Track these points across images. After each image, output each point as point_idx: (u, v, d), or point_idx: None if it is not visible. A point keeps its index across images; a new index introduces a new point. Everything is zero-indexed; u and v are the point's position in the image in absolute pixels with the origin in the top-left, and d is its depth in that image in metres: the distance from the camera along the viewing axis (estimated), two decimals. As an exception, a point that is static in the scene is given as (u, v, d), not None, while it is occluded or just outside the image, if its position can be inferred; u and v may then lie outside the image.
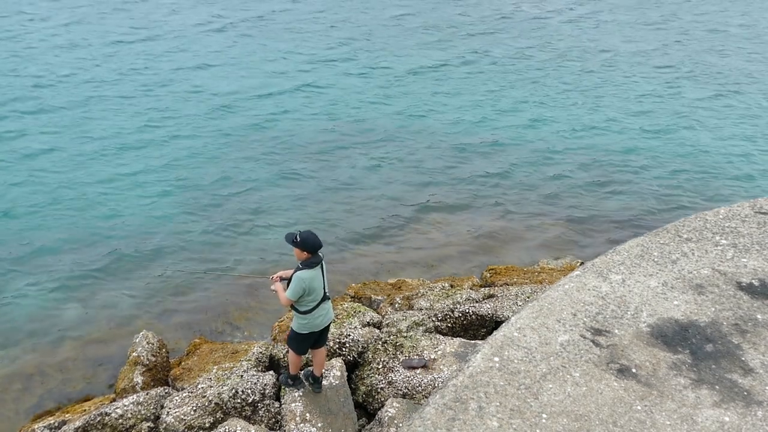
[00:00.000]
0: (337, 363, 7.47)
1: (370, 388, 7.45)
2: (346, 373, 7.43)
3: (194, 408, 6.92)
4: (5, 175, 13.96)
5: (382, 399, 7.26)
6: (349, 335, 7.96)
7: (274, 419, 7.00)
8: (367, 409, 7.46)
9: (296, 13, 28.17)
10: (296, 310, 6.36)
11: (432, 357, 7.55)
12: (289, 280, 6.32)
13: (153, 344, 8.44)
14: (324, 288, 6.38)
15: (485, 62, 23.23)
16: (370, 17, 28.07)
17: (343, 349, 7.85)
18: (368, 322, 8.61)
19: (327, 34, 25.48)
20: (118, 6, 27.45)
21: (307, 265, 6.16)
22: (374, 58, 23.06)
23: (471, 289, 10.10)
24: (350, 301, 9.64)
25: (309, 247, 6.13)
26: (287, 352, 7.32)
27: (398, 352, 7.69)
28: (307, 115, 18.09)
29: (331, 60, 22.63)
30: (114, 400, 7.72)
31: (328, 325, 6.71)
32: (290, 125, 17.40)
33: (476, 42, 25.53)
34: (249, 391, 7.06)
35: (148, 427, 6.98)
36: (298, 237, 6.13)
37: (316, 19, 27.57)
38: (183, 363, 8.36)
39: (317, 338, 6.68)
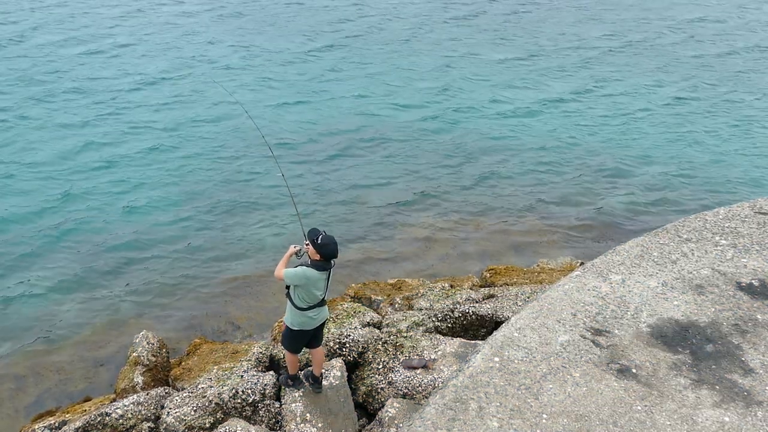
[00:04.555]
0: (338, 363, 7.47)
1: (370, 388, 7.45)
2: (346, 373, 7.44)
3: (194, 408, 6.93)
4: (5, 176, 13.95)
5: (383, 399, 7.26)
6: (349, 335, 7.96)
7: (274, 419, 7.01)
8: (367, 410, 7.46)
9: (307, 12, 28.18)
10: (291, 301, 6.35)
11: (432, 357, 7.56)
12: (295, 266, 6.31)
13: (153, 344, 8.44)
14: (324, 293, 6.38)
15: (483, 63, 23.23)
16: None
17: (344, 349, 7.86)
18: (368, 322, 8.62)
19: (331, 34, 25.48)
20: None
21: (317, 266, 6.16)
22: (382, 62, 23.05)
23: (471, 289, 10.10)
24: (350, 301, 9.65)
25: (323, 253, 6.09)
26: (285, 352, 7.32)
27: (398, 353, 7.69)
28: (306, 115, 18.09)
29: (327, 59, 22.64)
30: (114, 400, 7.72)
31: (322, 326, 6.68)
32: (291, 125, 17.39)
33: (471, 44, 25.54)
34: (249, 391, 7.06)
35: (149, 427, 6.99)
36: (319, 239, 6.07)
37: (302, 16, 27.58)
38: (183, 363, 8.37)
39: (311, 338, 6.67)
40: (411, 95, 19.74)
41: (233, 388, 7.07)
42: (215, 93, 18.80)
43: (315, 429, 6.63)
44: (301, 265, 6.22)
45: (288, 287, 6.35)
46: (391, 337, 7.96)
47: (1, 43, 21.73)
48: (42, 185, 13.69)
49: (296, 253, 6.43)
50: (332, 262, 6.24)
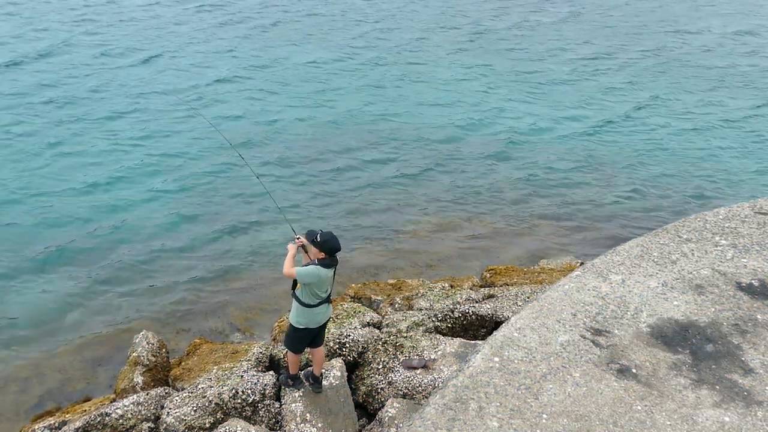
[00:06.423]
0: (337, 363, 7.47)
1: (370, 388, 7.45)
2: (346, 373, 7.43)
3: (194, 408, 6.92)
4: (7, 176, 13.93)
5: (383, 399, 7.26)
6: (349, 335, 7.96)
7: (274, 419, 7.01)
8: (367, 409, 7.46)
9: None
10: (298, 300, 6.36)
11: (432, 357, 7.55)
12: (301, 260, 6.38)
13: (153, 344, 8.44)
14: (330, 289, 6.40)
15: (478, 63, 23.24)
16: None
17: (343, 349, 7.86)
18: (368, 323, 8.61)
19: (328, 38, 25.50)
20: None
21: (324, 264, 6.19)
22: (377, 61, 23.06)
23: (471, 289, 10.10)
24: (350, 301, 9.64)
25: (327, 249, 6.15)
26: (287, 352, 7.33)
27: (398, 353, 7.69)
28: (306, 117, 18.08)
29: (329, 61, 22.64)
30: (114, 400, 7.71)
31: (325, 325, 6.71)
32: (289, 125, 17.40)
33: (476, 46, 25.56)
34: (249, 391, 7.06)
35: (149, 427, 6.98)
36: (318, 237, 6.13)
37: (314, 21, 27.60)
38: (183, 363, 8.36)
39: (314, 338, 6.68)
40: (415, 100, 19.70)
41: (233, 388, 7.07)
42: (228, 105, 18.57)
43: (315, 429, 6.63)
44: (312, 263, 6.24)
45: (294, 286, 6.37)
46: (391, 337, 7.95)
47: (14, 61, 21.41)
48: (39, 188, 13.67)
49: (301, 247, 6.46)
50: (337, 258, 6.29)
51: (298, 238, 6.49)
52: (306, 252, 6.53)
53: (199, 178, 14.37)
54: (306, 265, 6.26)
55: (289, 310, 6.61)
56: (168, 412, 6.96)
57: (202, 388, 7.22)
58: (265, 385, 7.17)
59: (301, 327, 6.49)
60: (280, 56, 22.70)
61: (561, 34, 27.18)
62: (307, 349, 6.99)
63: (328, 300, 6.45)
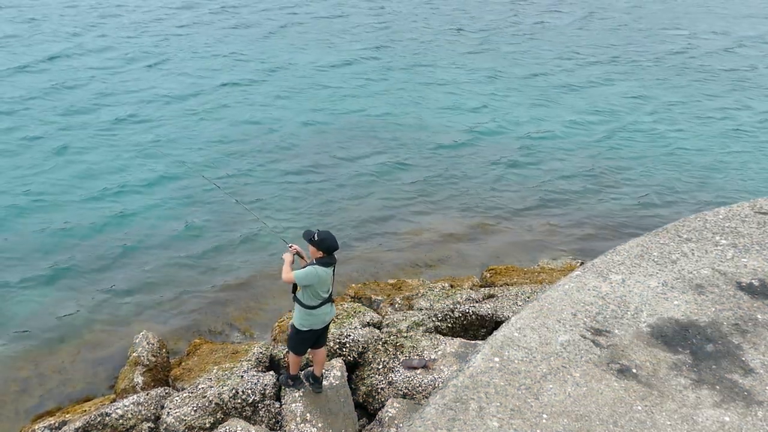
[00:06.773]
0: (338, 363, 7.47)
1: (370, 388, 7.45)
2: (346, 374, 7.44)
3: (194, 408, 6.92)
4: (12, 181, 13.90)
5: (383, 399, 7.26)
6: (350, 335, 7.96)
7: (274, 419, 7.01)
8: (367, 410, 7.46)
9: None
10: (300, 303, 6.36)
11: (432, 357, 7.55)
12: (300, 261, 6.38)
13: (153, 344, 8.44)
14: (331, 288, 6.41)
15: (485, 67, 23.23)
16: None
17: (344, 349, 7.85)
18: (368, 323, 8.62)
19: (333, 40, 25.49)
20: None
21: (322, 263, 6.20)
22: (382, 65, 23.04)
23: (471, 289, 10.10)
24: (350, 301, 9.64)
25: (325, 248, 6.16)
26: (287, 352, 7.33)
27: (398, 353, 7.69)
28: (308, 117, 18.08)
29: (334, 65, 22.64)
30: (114, 400, 7.72)
31: (328, 326, 6.72)
32: (291, 126, 17.40)
33: (484, 49, 25.55)
34: (249, 391, 7.06)
35: (149, 427, 6.98)
36: (316, 236, 6.15)
37: (320, 23, 27.60)
38: (183, 363, 8.36)
39: (317, 338, 6.69)
40: (421, 104, 19.67)
41: (233, 388, 7.07)
42: (233, 109, 18.48)
43: (315, 429, 6.63)
44: (310, 264, 6.25)
45: (294, 289, 6.38)
46: (391, 337, 7.95)
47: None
48: (43, 186, 13.68)
49: (296, 254, 6.51)
50: (335, 256, 6.30)
51: (291, 246, 6.56)
52: (302, 257, 6.57)
53: (202, 182, 14.34)
54: (303, 267, 6.27)
55: (290, 310, 6.61)
56: (168, 412, 6.96)
57: (202, 388, 7.22)
58: (265, 385, 7.17)
59: (305, 329, 6.49)
60: (285, 60, 22.68)
61: (570, 38, 27.16)
62: (309, 350, 7.00)
63: (330, 300, 6.45)
